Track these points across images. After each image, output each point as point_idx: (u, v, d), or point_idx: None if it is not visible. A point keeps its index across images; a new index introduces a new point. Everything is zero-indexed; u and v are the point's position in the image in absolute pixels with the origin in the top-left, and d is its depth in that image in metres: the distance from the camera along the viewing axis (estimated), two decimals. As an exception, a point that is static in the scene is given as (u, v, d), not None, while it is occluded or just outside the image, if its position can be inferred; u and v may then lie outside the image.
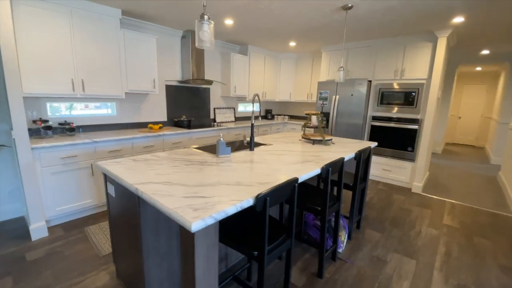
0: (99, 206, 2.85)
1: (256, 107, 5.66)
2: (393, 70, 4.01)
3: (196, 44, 1.33)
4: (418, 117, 3.84)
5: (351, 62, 4.41)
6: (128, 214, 1.47)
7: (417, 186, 3.87)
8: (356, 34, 3.79)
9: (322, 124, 2.69)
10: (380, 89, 4.15)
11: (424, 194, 3.81)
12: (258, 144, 2.56)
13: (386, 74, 4.07)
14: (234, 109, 5.05)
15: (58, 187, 2.47)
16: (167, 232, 1.51)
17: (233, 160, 1.87)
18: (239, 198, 1.17)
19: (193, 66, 3.82)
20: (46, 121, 2.62)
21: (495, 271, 2.07)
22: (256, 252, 1.27)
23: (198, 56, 3.87)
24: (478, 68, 7.03)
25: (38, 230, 2.29)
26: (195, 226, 0.93)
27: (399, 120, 4.02)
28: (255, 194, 1.23)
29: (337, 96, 4.41)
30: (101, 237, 2.34)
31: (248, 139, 2.27)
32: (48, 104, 2.78)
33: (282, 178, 1.50)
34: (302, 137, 2.80)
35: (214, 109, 4.66)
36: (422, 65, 3.73)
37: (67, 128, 2.78)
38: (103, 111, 3.26)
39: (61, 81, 2.56)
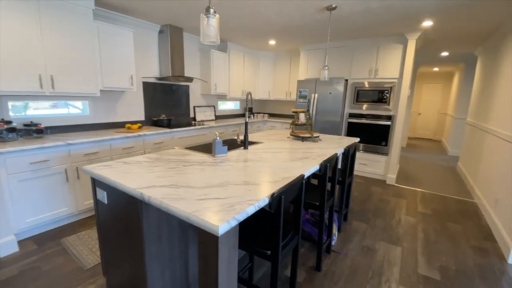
0: (76, 215, 2.60)
1: (236, 105, 5.60)
2: (367, 70, 4.23)
3: (202, 40, 1.27)
4: (391, 113, 4.12)
5: (328, 62, 4.56)
6: (127, 222, 1.36)
7: (391, 178, 4.16)
8: (335, 35, 3.93)
9: (309, 121, 2.75)
10: (356, 87, 4.36)
11: (397, 185, 4.10)
12: (251, 143, 2.53)
13: (361, 73, 4.29)
14: (215, 107, 4.95)
15: (28, 196, 2.20)
16: (170, 238, 1.43)
17: (232, 160, 1.82)
18: (255, 198, 1.14)
19: (172, 62, 3.65)
20: (9, 122, 2.32)
21: (469, 252, 2.30)
22: (269, 252, 1.25)
23: (177, 52, 3.71)
24: (436, 69, 7.73)
25: (6, 245, 2.02)
26: (222, 229, 0.89)
27: (373, 117, 4.27)
28: (268, 193, 1.21)
29: (316, 95, 4.54)
30: (82, 248, 2.14)
31: (241, 137, 2.23)
32: (10, 103, 2.46)
33: (287, 175, 1.50)
34: (291, 135, 2.83)
35: (194, 107, 4.51)
36: (394, 65, 4.00)
37: (34, 130, 2.48)
38: (74, 111, 2.98)
39: (27, 78, 2.28)
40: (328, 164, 1.81)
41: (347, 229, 2.64)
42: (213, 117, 4.91)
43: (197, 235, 1.61)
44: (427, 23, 3.22)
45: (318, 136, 2.78)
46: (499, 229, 2.50)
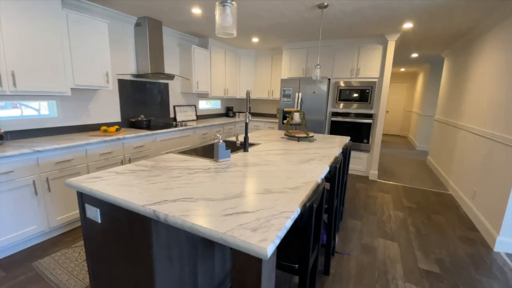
0: (47, 233, 2.25)
1: (216, 105, 5.40)
2: (349, 69, 4.33)
3: (217, 32, 1.11)
4: (372, 112, 4.26)
5: (311, 61, 4.58)
6: (130, 243, 1.16)
7: (374, 174, 4.31)
8: (318, 34, 3.94)
9: (304, 121, 2.70)
10: (338, 86, 4.44)
11: (380, 180, 4.26)
12: (249, 145, 2.40)
13: (344, 73, 4.37)
14: (195, 107, 4.70)
15: (-14, 216, 1.83)
16: (180, 258, 1.26)
17: (238, 164, 1.69)
18: (288, 209, 1.03)
19: (152, 58, 3.36)
20: (-43, 127, 1.91)
21: (457, 243, 2.43)
22: (296, 265, 1.15)
23: (156, 47, 3.42)
24: (403, 69, 8.25)
25: (-40, 278, 1.66)
26: (270, 251, 0.76)
27: (355, 115, 4.38)
28: (297, 202, 1.11)
29: (300, 94, 4.54)
30: (60, 272, 1.83)
31: (241, 139, 2.10)
32: (-44, 104, 2.03)
33: (305, 180, 1.41)
34: (285, 135, 2.76)
35: (174, 106, 4.23)
36: (374, 65, 4.13)
37: (-11, 136, 2.08)
38: (40, 112, 2.58)
39: (-20, 72, 1.89)
40: (338, 166, 1.76)
41: (344, 228, 2.64)
42: (194, 117, 4.66)
43: (204, 251, 1.45)
44: (408, 25, 3.36)
45: (313, 136, 2.74)
46: (480, 219, 2.69)
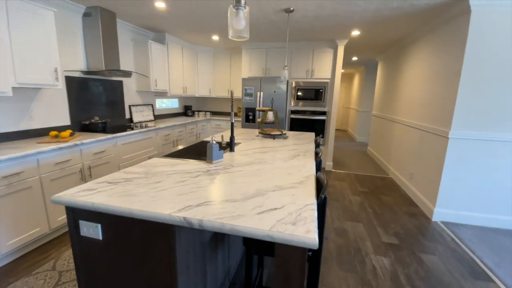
0: (5, 257, 1.86)
1: (174, 104, 5.14)
2: (305, 70, 4.67)
3: (230, 35, 1.11)
4: (326, 109, 4.70)
5: (270, 61, 4.77)
6: (146, 256, 1.09)
7: (329, 164, 4.78)
8: (275, 36, 4.13)
9: (277, 119, 2.84)
10: (295, 86, 4.75)
11: (334, 170, 4.75)
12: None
13: (300, 73, 4.69)
14: (153, 106, 4.39)
15: None
16: (195, 263, 1.23)
17: (234, 164, 1.70)
18: (309, 202, 1.13)
19: (105, 53, 3.02)
20: None
21: (405, 217, 2.93)
22: (310, 253, 1.27)
23: (110, 41, 3.09)
24: (342, 70, 9.23)
25: None
26: (317, 240, 0.84)
27: (311, 112, 4.76)
28: (309, 195, 1.22)
29: (262, 93, 4.69)
30: (25, 305, 1.55)
31: (226, 140, 2.11)
32: None
33: (305, 175, 1.53)
34: (260, 133, 2.85)
35: (130, 106, 3.88)
36: (326, 67, 4.55)
37: None
38: (-37, 116, 2.07)
39: None
40: (320, 160, 1.94)
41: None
42: (152, 117, 4.36)
43: (211, 253, 1.44)
44: (355, 32, 3.82)
45: (286, 133, 2.90)
46: (418, 196, 3.29)
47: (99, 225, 1.13)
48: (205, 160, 1.79)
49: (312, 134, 3.15)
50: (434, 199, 2.88)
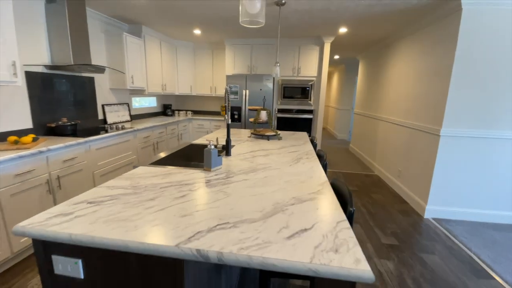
0: None
1: (152, 102, 4.76)
2: (291, 68, 4.55)
3: (241, 21, 0.91)
4: (313, 108, 4.63)
5: (255, 58, 4.58)
6: (145, 296, 0.87)
7: (317, 164, 4.72)
8: (261, 32, 3.95)
9: (271, 119, 2.67)
10: (282, 84, 4.62)
11: (322, 170, 4.70)
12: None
13: (287, 71, 4.57)
14: (128, 105, 4.01)
15: None
16: (204, 295, 1.03)
17: (235, 171, 1.51)
18: (338, 219, 0.97)
19: (74, 45, 2.64)
20: None
21: (398, 216, 2.92)
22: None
23: (79, 31, 2.70)
24: (322, 68, 9.29)
25: None
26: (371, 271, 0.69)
27: (298, 111, 4.67)
28: (337, 207, 1.07)
29: (247, 91, 4.49)
30: None
31: (222, 143, 1.90)
32: None
33: (317, 182, 1.38)
34: (252, 134, 2.66)
35: (103, 106, 3.49)
36: (313, 65, 4.47)
37: None
38: None
39: None
40: (327, 162, 1.81)
41: (313, 219, 2.78)
42: (128, 118, 3.98)
43: (215, 281, 1.24)
44: (343, 29, 3.77)
45: (280, 134, 2.75)
46: (407, 194, 3.32)
47: (80, 261, 0.88)
48: (200, 167, 1.57)
49: (305, 134, 3.03)
50: (425, 196, 2.90)
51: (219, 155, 1.56)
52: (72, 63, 2.63)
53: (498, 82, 2.49)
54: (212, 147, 1.50)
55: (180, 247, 0.76)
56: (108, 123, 3.54)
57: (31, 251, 2.08)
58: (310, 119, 4.65)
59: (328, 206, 1.08)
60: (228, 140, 1.85)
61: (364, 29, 3.68)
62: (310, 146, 2.31)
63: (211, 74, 5.05)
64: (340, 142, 7.52)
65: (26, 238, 1.97)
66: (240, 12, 0.96)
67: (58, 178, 2.20)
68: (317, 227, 0.90)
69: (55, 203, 2.19)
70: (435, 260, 2.14)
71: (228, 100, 1.78)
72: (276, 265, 0.72)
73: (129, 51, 3.50)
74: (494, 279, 1.92)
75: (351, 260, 0.72)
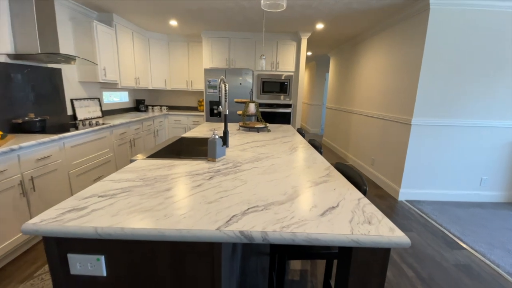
0: None
1: (124, 97, 4.46)
2: (270, 62, 4.60)
3: (262, 4, 0.90)
4: (291, 102, 4.74)
5: (233, 52, 4.54)
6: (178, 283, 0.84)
7: (296, 157, 4.87)
8: (239, 25, 3.94)
9: (258, 112, 2.69)
10: (261, 78, 4.65)
11: (301, 162, 4.86)
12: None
13: (265, 65, 4.60)
14: (99, 100, 3.71)
15: None
16: (230, 276, 1.02)
17: (240, 161, 1.50)
18: (355, 196, 1.04)
19: (40, 32, 2.37)
20: None
21: (376, 200, 3.16)
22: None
23: (47, 18, 2.43)
24: (293, 65, 9.53)
25: None
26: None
27: (277, 105, 4.75)
28: (349, 186, 1.13)
29: (227, 85, 4.43)
30: None
31: (221, 135, 1.87)
32: None
33: (323, 166, 1.44)
34: (241, 126, 2.66)
35: (72, 100, 3.19)
36: (290, 60, 4.58)
37: None
38: None
39: None
40: (322, 151, 1.89)
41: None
42: (100, 113, 3.68)
43: (233, 260, 1.24)
44: (320, 26, 3.91)
45: (268, 126, 2.78)
46: (381, 179, 3.59)
47: (102, 257, 0.82)
48: (202, 158, 1.54)
49: (291, 126, 3.11)
50: (398, 181, 3.18)
51: (223, 146, 1.54)
52: (40, 51, 2.35)
53: (462, 76, 2.81)
54: (217, 137, 1.48)
55: (222, 231, 0.76)
56: (79, 119, 3.25)
57: (7, 260, 1.84)
58: (289, 113, 4.76)
59: (342, 186, 1.14)
60: (225, 131, 1.83)
61: (340, 25, 3.87)
62: (300, 137, 2.38)
63: (187, 68, 4.89)
64: (313, 136, 7.82)
65: (3, 245, 1.74)
66: (262, -4, 0.96)
67: (32, 179, 1.98)
68: (342, 204, 0.95)
69: (29, 207, 1.96)
70: (413, 236, 2.36)
71: (225, 90, 1.76)
72: (319, 239, 0.75)
73: (100, 41, 3.23)
74: (465, 249, 2.18)
75: (386, 229, 0.78)
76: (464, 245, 2.22)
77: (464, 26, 2.70)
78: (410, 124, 2.96)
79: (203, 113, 4.79)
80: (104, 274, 0.84)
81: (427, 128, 2.96)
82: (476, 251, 2.13)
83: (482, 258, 2.04)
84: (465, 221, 2.61)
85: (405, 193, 3.15)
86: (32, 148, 1.99)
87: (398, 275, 1.86)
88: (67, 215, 0.83)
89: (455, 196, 3.13)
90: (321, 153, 1.88)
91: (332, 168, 1.43)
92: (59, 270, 0.84)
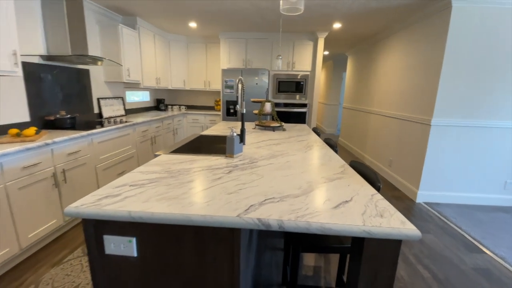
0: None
1: (145, 96, 4.67)
2: (286, 62, 4.64)
3: (281, 8, 0.96)
4: (306, 102, 4.75)
5: (250, 52, 4.62)
6: (202, 266, 0.91)
7: (311, 156, 4.87)
8: (257, 26, 4.00)
9: (274, 111, 2.75)
10: (277, 78, 4.69)
11: (316, 162, 4.86)
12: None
13: (282, 65, 4.64)
14: (123, 99, 3.91)
15: None
16: (248, 263, 1.09)
17: (257, 157, 1.57)
18: (369, 192, 1.07)
19: (72, 35, 2.56)
20: None
21: (394, 201, 3.12)
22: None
23: (77, 21, 2.62)
24: (309, 65, 9.48)
25: None
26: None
27: (293, 105, 4.77)
28: (363, 183, 1.16)
29: (244, 85, 4.52)
30: None
31: (238, 132, 1.94)
32: None
33: (337, 164, 1.47)
34: (257, 125, 2.72)
35: (98, 99, 3.39)
36: (307, 59, 4.59)
37: None
38: None
39: None
40: (337, 149, 1.92)
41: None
42: (123, 112, 3.88)
43: (250, 249, 1.31)
44: (337, 25, 3.90)
45: (284, 125, 2.83)
46: (399, 181, 3.53)
47: (134, 239, 0.91)
48: (220, 154, 1.61)
49: (306, 126, 3.14)
50: (417, 183, 3.12)
51: (240, 143, 1.61)
52: (70, 53, 2.54)
53: (485, 76, 2.72)
54: (235, 134, 1.55)
55: (242, 217, 0.82)
56: (104, 117, 3.45)
57: (39, 247, 2.02)
58: (305, 113, 4.77)
59: (357, 182, 1.18)
60: (242, 130, 1.90)
61: (358, 24, 3.84)
62: (315, 136, 2.41)
63: (205, 69, 5.03)
64: (329, 136, 7.75)
65: (33, 233, 1.91)
66: (281, 0, 1.02)
67: (64, 171, 2.15)
68: (355, 199, 0.99)
69: (60, 198, 2.13)
70: (431, 238, 2.32)
71: (242, 90, 1.83)
72: (332, 229, 0.80)
73: (125, 43, 3.42)
74: (485, 253, 2.12)
75: (397, 222, 0.82)
76: (484, 249, 2.16)
77: (487, 24, 2.61)
78: (430, 125, 2.90)
79: (220, 113, 4.91)
80: (135, 254, 0.93)
81: (448, 128, 2.89)
82: (496, 255, 2.07)
83: (503, 263, 1.98)
84: (486, 225, 2.53)
85: (423, 195, 3.08)
86: (64, 143, 2.16)
87: (414, 275, 1.85)
88: (104, 201, 0.92)
89: (477, 200, 3.02)
90: (336, 151, 1.91)
91: (347, 166, 1.46)
92: (95, 249, 0.94)
